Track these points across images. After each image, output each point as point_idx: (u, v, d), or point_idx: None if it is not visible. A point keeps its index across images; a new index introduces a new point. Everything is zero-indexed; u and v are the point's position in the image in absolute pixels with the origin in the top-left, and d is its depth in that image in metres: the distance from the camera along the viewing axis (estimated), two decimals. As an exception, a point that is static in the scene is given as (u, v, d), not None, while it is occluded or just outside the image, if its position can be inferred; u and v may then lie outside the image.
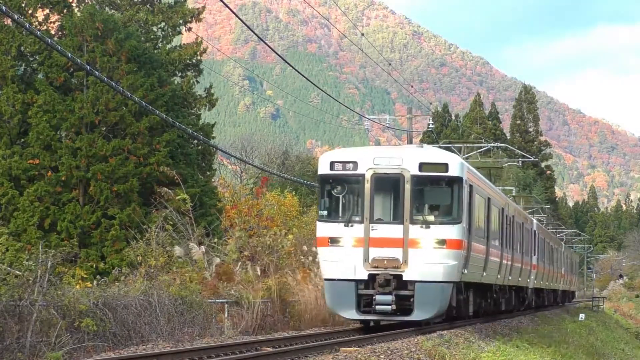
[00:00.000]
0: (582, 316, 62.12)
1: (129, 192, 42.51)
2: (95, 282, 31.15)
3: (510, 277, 39.55)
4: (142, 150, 43.13)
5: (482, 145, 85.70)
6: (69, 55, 31.70)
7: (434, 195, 27.21)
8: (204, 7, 54.58)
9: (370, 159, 27.02)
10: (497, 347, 26.82)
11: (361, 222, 26.74)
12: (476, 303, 33.46)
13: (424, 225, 26.54)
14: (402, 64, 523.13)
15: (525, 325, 41.19)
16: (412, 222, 26.56)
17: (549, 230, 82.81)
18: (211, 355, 20.01)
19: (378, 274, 26.39)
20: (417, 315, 26.54)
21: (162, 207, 38.94)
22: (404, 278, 26.45)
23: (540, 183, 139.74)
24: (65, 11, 47.95)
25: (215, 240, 38.07)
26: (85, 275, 34.11)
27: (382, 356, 19.77)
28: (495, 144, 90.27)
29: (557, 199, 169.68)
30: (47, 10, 48.15)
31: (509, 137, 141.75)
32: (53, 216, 42.21)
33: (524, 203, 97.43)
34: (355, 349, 20.16)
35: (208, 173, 51.06)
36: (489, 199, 33.41)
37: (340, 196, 27.24)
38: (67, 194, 42.67)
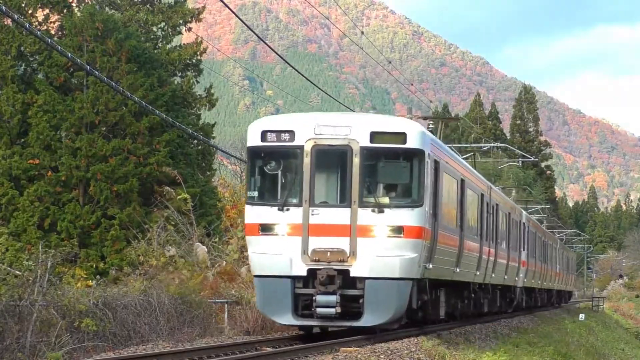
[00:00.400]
0: (582, 316, 62.10)
1: (129, 192, 42.52)
2: (94, 282, 31.17)
3: (493, 275, 35.18)
4: (142, 150, 43.15)
5: (482, 145, 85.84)
6: (69, 55, 31.71)
7: (388, 171, 22.54)
8: (204, 7, 54.58)
9: (310, 128, 22.35)
10: (497, 347, 26.83)
11: (299, 205, 22.14)
12: (450, 304, 29.08)
13: (376, 209, 22.00)
14: (402, 64, 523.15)
15: (525, 325, 41.19)
16: (362, 205, 22.03)
17: (545, 226, 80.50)
18: (211, 355, 20.00)
19: (319, 269, 21.89)
20: (367, 320, 22.07)
21: (163, 207, 38.98)
22: (352, 274, 21.99)
23: (540, 183, 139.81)
24: (65, 11, 47.96)
25: (217, 239, 38.12)
26: (85, 275, 34.15)
27: (382, 356, 19.76)
28: (495, 144, 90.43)
29: (557, 199, 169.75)
30: (47, 10, 48.16)
31: (509, 137, 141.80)
32: (53, 216, 42.21)
33: (524, 203, 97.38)
34: (355, 349, 20.16)
35: (208, 173, 51.07)
36: (463, 181, 28.56)
37: (274, 173, 22.55)
38: (67, 194, 42.69)
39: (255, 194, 22.70)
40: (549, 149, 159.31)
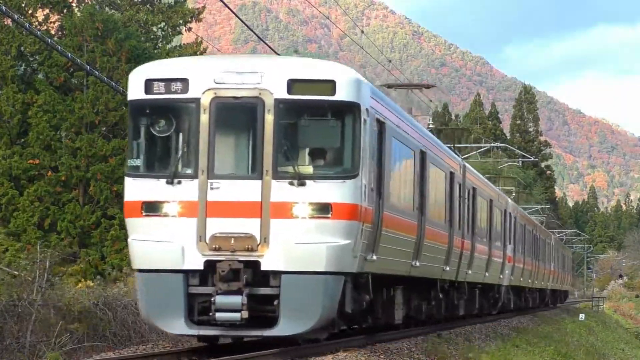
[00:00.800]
0: (582, 316, 62.18)
1: (129, 192, 42.57)
2: (94, 282, 31.21)
3: (469, 271, 30.43)
4: (142, 150, 43.20)
5: (482, 145, 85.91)
6: (69, 55, 31.70)
7: (312, 132, 17.28)
8: (204, 7, 54.62)
9: (209, 75, 17.23)
10: (497, 347, 26.84)
11: (194, 176, 17.10)
12: (410, 306, 24.35)
13: (295, 182, 16.92)
14: (402, 64, 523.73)
15: (525, 325, 41.20)
16: (277, 176, 16.95)
17: (539, 221, 75.72)
18: (211, 355, 19.99)
19: (220, 261, 16.82)
20: (284, 328, 16.93)
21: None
22: (263, 267, 16.90)
23: (540, 183, 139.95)
24: (65, 11, 47.98)
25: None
26: (79, 275, 34.17)
27: (382, 356, 19.75)
28: (495, 144, 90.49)
29: (557, 199, 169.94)
30: (47, 10, 48.18)
31: (509, 137, 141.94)
32: (53, 216, 42.24)
33: (525, 203, 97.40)
34: (355, 348, 20.15)
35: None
36: (423, 153, 23.34)
37: (163, 136, 17.46)
38: (67, 194, 42.74)
39: (138, 162, 17.52)
40: (549, 149, 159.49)
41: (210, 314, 16.79)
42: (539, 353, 28.85)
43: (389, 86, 36.08)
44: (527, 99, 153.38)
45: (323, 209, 16.95)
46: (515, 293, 46.23)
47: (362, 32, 46.04)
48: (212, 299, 16.74)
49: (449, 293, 29.17)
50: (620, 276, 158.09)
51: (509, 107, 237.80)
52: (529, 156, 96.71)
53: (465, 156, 63.06)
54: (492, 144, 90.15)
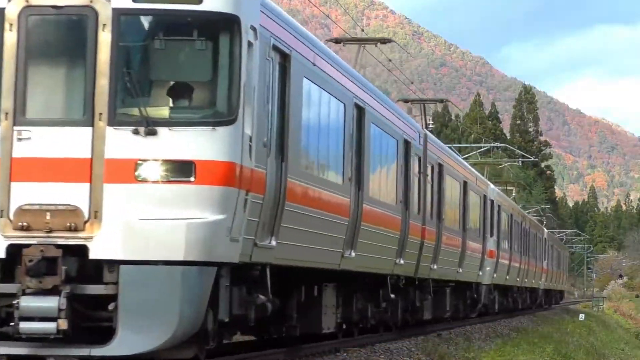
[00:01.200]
0: (582, 316, 62.22)
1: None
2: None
3: (434, 267, 25.61)
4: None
5: (482, 145, 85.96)
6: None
7: (169, 59, 11.89)
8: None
9: None
10: (497, 347, 26.86)
11: None
12: (347, 310, 19.47)
13: (142, 130, 11.53)
14: (402, 64, 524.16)
15: (525, 325, 41.23)
16: (116, 121, 11.58)
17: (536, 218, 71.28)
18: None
19: (29, 246, 11.38)
20: (123, 345, 11.29)
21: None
22: (93, 254, 11.46)
23: (540, 183, 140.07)
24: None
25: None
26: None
27: (382, 356, 19.78)
28: (495, 144, 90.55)
29: (557, 199, 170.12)
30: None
31: (509, 137, 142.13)
32: (53, 216, 42.37)
33: (525, 202, 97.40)
34: (355, 349, 20.17)
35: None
36: (360, 108, 18.08)
37: None
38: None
39: None
40: (549, 149, 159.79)
41: (15, 324, 11.36)
42: (539, 353, 28.85)
43: (337, 41, 30.69)
44: (527, 99, 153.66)
45: (182, 170, 11.62)
46: (500, 293, 41.51)
47: (362, 30, 46.16)
48: (16, 304, 11.33)
49: (408, 293, 24.18)
50: (620, 276, 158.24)
51: (509, 107, 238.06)
52: (529, 156, 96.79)
53: (465, 156, 63.08)
54: (492, 144, 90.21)
